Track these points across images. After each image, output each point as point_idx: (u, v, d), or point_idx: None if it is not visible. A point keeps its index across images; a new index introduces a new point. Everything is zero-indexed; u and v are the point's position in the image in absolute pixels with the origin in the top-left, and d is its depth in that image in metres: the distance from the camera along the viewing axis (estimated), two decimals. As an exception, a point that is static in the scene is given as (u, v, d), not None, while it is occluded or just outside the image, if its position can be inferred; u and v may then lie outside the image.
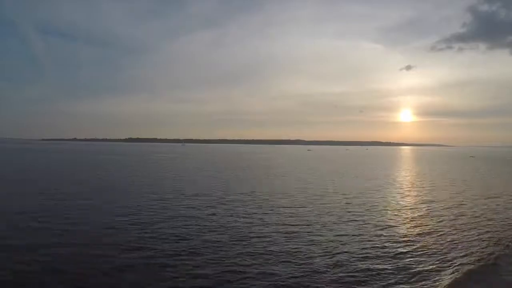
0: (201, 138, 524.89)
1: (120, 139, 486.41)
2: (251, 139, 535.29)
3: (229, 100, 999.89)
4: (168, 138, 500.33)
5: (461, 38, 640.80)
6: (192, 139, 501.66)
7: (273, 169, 52.77)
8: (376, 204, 22.76)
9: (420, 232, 15.76)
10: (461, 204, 23.42)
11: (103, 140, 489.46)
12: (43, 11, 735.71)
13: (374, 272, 10.94)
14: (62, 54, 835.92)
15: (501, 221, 18.43)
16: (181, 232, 15.02)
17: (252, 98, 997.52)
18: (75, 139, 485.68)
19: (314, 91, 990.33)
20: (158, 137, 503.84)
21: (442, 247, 13.63)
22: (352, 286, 10.02)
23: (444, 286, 10.20)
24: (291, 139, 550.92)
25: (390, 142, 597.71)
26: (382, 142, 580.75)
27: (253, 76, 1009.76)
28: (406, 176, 45.17)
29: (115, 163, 62.23)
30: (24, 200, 21.90)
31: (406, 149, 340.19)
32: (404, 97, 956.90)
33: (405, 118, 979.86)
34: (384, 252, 12.90)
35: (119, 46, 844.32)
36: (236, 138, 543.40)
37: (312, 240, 14.07)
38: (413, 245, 13.76)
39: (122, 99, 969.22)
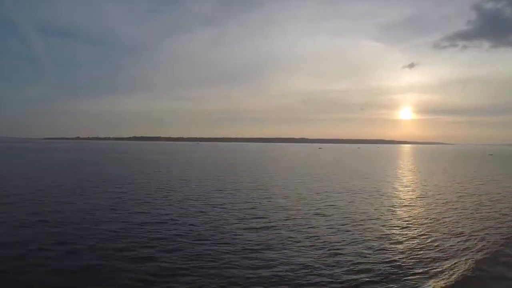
0: (204, 137, 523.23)
1: (124, 138, 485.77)
2: (255, 137, 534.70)
3: (230, 98, 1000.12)
4: (171, 136, 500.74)
5: (465, 36, 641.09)
6: (195, 138, 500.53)
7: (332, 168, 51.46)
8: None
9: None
10: None
11: (106, 138, 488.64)
12: (43, 11, 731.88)
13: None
14: (62, 54, 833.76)
15: None
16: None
17: (252, 96, 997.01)
18: (78, 138, 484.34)
19: (315, 88, 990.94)
20: (162, 136, 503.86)
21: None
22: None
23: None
24: (295, 137, 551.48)
25: (393, 140, 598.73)
26: (385, 140, 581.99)
27: (253, 74, 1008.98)
28: (468, 178, 43.90)
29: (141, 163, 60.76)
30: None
31: (413, 147, 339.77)
32: (406, 95, 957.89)
33: (406, 116, 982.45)
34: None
35: (119, 45, 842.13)
36: (239, 136, 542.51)
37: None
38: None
39: (123, 98, 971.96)
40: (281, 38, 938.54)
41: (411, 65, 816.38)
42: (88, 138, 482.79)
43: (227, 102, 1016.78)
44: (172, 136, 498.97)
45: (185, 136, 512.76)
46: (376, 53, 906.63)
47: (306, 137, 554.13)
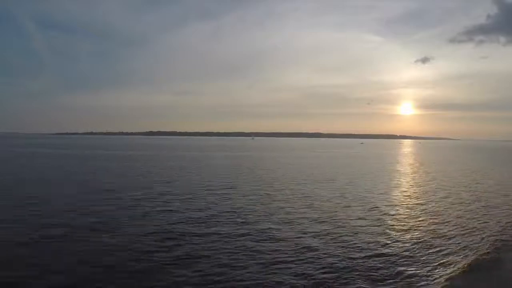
0: (219, 131, 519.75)
1: (140, 132, 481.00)
2: (265, 131, 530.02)
3: (230, 92, 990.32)
4: (188, 131, 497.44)
5: (484, 30, 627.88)
6: (207, 132, 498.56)
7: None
8: None
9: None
10: None
11: (119, 133, 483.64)
12: (43, 5, 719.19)
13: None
14: (62, 48, 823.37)
15: None
16: None
17: (253, 90, 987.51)
18: (91, 133, 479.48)
19: (317, 83, 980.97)
20: (178, 131, 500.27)
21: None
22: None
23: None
24: (309, 131, 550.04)
25: (405, 136, 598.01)
26: (396, 136, 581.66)
27: (254, 68, 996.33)
28: None
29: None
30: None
31: (433, 142, 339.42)
32: (419, 90, 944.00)
33: (416, 111, 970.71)
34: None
35: (119, 39, 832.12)
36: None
37: None
38: None
39: (124, 92, 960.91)
40: (281, 32, 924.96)
41: (425, 59, 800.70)
42: (101, 133, 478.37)
43: (227, 96, 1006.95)
44: (189, 131, 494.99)
45: (201, 130, 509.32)
46: (385, 47, 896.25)
47: (320, 132, 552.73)
